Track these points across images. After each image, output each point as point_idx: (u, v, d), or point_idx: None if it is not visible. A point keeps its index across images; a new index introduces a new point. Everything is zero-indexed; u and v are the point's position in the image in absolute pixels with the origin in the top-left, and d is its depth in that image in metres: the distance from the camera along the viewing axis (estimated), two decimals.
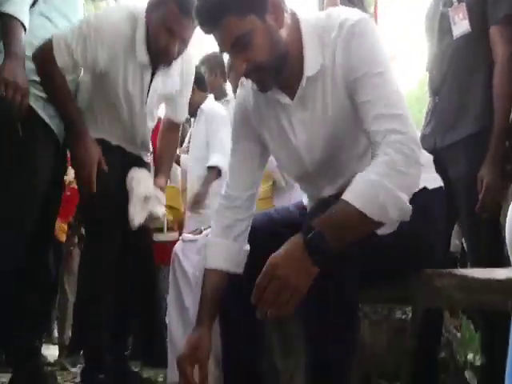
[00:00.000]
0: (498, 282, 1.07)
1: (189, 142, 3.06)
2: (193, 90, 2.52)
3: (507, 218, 0.97)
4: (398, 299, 1.24)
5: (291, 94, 1.13)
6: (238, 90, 1.29)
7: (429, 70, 1.85)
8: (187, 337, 1.22)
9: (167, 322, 1.78)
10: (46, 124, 1.67)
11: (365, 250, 1.04)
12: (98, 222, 1.75)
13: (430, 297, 1.16)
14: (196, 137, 2.90)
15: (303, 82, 1.10)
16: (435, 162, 1.30)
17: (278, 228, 1.26)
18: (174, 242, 2.59)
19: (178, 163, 3.31)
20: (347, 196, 0.93)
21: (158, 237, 2.48)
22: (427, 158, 1.23)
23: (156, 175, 1.93)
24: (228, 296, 1.22)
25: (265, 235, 1.24)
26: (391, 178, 0.94)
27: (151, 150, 2.09)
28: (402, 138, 0.97)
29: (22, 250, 1.61)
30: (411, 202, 1.02)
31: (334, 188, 1.17)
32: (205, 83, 2.95)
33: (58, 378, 2.31)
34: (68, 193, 2.97)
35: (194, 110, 2.80)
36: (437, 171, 1.27)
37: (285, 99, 1.14)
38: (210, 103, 2.91)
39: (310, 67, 1.09)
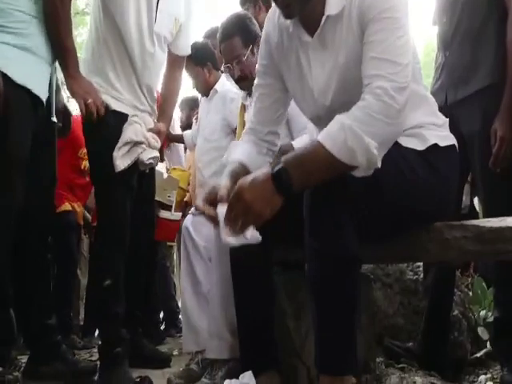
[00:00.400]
0: (511, 229, 1.06)
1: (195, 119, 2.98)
2: (208, 69, 2.49)
3: None
4: (411, 255, 1.24)
5: (312, 33, 1.15)
6: (265, 26, 1.31)
7: (439, 20, 1.80)
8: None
9: (181, 293, 1.80)
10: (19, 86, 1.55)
11: (376, 206, 1.04)
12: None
13: (441, 249, 1.16)
14: (207, 117, 2.80)
15: (323, 20, 1.11)
16: (446, 116, 1.28)
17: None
18: (177, 222, 2.63)
19: (182, 141, 3.29)
20: (320, 136, 0.98)
21: (164, 214, 2.49)
22: (442, 119, 1.23)
23: (157, 119, 1.95)
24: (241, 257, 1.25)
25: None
26: (363, 124, 0.96)
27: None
28: (387, 85, 0.99)
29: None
30: (421, 158, 1.02)
31: None
32: (217, 61, 2.83)
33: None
34: (87, 178, 3.02)
35: (209, 89, 2.73)
36: (449, 125, 1.26)
37: (305, 36, 1.16)
38: (224, 84, 2.77)
39: (332, 7, 1.10)
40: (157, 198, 2.44)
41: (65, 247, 2.94)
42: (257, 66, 1.36)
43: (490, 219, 1.15)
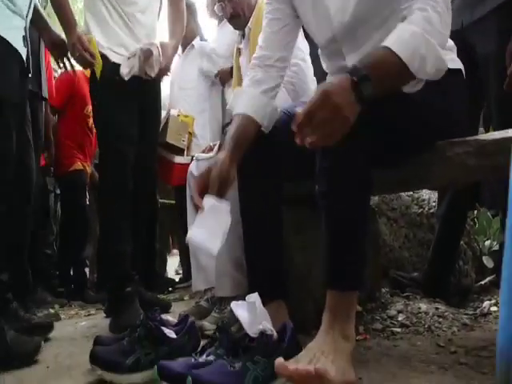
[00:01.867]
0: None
1: None
2: (188, 20, 2.47)
3: None
4: (414, 177, 1.23)
5: None
6: None
7: None
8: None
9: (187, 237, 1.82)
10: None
11: (390, 130, 1.04)
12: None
13: (443, 167, 1.15)
14: (182, 69, 2.97)
15: None
16: (461, 41, 1.26)
17: None
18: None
19: None
20: (391, 44, 0.93)
21: (178, 159, 2.54)
22: (451, 43, 1.20)
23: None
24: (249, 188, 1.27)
25: (286, 134, 1.24)
26: (431, 34, 0.94)
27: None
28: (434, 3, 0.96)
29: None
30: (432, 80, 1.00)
31: (358, 56, 1.14)
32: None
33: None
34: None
35: (187, 42, 2.85)
36: (462, 51, 1.24)
37: None
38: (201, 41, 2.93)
39: None
40: (173, 142, 2.50)
41: (77, 206, 3.00)
42: None
43: (491, 133, 1.14)
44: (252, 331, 0.97)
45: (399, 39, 0.93)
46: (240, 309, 1.01)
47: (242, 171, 1.25)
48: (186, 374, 0.91)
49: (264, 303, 1.23)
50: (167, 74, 2.07)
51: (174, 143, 2.49)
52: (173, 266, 5.21)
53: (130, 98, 1.86)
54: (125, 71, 1.81)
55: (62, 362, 1.36)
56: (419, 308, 1.64)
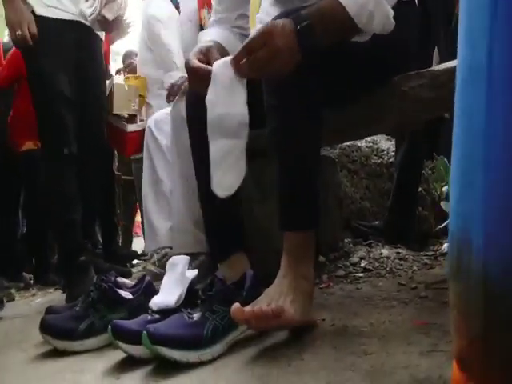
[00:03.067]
0: None
1: None
2: None
3: None
4: (369, 117, 1.21)
5: None
6: None
7: None
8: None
9: (142, 194, 1.77)
10: None
11: (342, 66, 1.00)
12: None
13: (399, 102, 1.13)
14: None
15: None
16: None
17: None
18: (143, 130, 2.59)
19: None
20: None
21: (132, 127, 2.43)
22: None
23: None
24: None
25: None
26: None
27: None
28: None
29: None
30: None
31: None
32: None
33: None
34: None
35: None
36: None
37: None
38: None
39: None
40: (123, 112, 2.40)
41: (32, 187, 2.86)
42: None
43: (444, 64, 1.12)
44: (171, 299, 0.95)
45: None
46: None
47: (194, 118, 1.20)
48: (141, 331, 0.87)
49: (224, 257, 1.23)
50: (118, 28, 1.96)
51: (125, 111, 2.38)
52: (139, 246, 5.13)
53: (65, 53, 1.75)
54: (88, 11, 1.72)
55: (12, 337, 1.30)
56: (381, 254, 1.65)
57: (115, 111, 2.38)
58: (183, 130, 1.33)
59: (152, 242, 1.65)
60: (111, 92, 2.35)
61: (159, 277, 1.56)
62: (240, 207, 1.32)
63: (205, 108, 0.92)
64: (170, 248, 1.59)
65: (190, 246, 1.57)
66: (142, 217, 3.02)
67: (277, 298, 0.89)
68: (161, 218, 1.62)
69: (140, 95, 2.44)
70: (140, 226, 5.19)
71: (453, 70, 1.05)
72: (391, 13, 0.93)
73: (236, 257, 1.23)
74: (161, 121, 1.84)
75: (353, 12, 0.89)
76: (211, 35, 1.18)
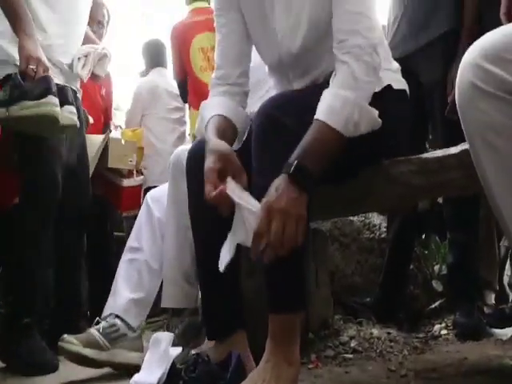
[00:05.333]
0: (454, 156, 1.06)
1: None
2: None
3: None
4: (359, 198, 1.23)
5: None
6: None
7: None
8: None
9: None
10: None
11: None
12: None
13: (387, 186, 1.15)
14: None
15: None
16: (406, 68, 1.30)
17: None
18: (141, 186, 2.62)
19: None
20: (324, 116, 0.94)
21: (128, 182, 2.44)
22: (396, 65, 1.23)
23: None
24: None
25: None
26: (360, 92, 0.96)
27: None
28: (364, 43, 0.99)
29: None
30: (376, 99, 1.01)
31: (305, 82, 1.17)
32: None
33: None
34: None
35: None
36: (408, 78, 1.26)
37: None
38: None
39: None
40: (120, 167, 2.41)
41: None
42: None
43: (434, 152, 1.16)
44: (152, 379, 0.92)
45: (332, 110, 0.94)
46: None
47: (192, 179, 1.17)
48: None
49: (224, 334, 1.13)
50: None
51: (122, 166, 2.40)
52: None
53: None
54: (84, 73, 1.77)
55: None
56: (371, 333, 1.62)
57: (110, 165, 2.38)
58: (182, 178, 1.29)
59: (109, 306, 1.57)
60: (106, 146, 2.37)
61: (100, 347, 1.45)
62: (238, 279, 1.25)
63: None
64: (121, 320, 1.50)
65: (178, 300, 1.53)
66: None
67: None
68: (127, 287, 1.58)
69: (140, 148, 2.45)
70: None
71: (442, 159, 1.11)
72: (376, 113, 0.98)
73: (237, 336, 1.14)
74: (158, 195, 1.84)
75: (340, 127, 0.94)
76: (214, 108, 1.17)
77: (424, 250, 2.32)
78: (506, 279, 2.15)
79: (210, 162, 0.96)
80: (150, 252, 1.60)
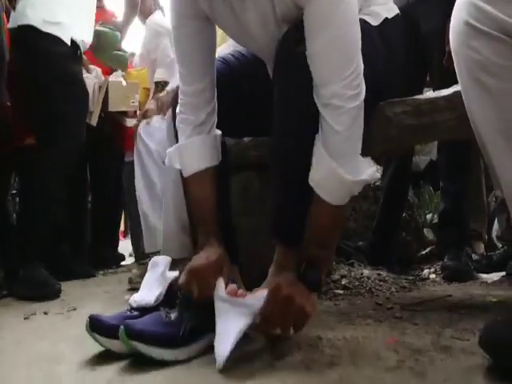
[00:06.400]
0: (446, 97, 1.08)
1: None
2: None
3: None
4: None
5: None
6: None
7: None
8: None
9: (137, 197, 1.80)
10: None
11: None
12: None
13: (382, 127, 1.17)
14: None
15: None
16: (406, 16, 1.29)
17: (238, 79, 1.24)
18: None
19: None
20: (325, 196, 0.94)
21: (131, 122, 2.44)
22: None
23: None
24: None
25: (226, 86, 1.19)
26: (348, 150, 0.93)
27: None
28: (341, 91, 0.91)
29: None
30: (377, 32, 1.01)
31: None
32: None
33: None
34: None
35: (145, 16, 2.73)
36: (408, 25, 1.24)
37: None
38: (157, 17, 2.81)
39: None
40: (122, 109, 2.41)
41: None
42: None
43: (427, 94, 1.17)
44: (150, 297, 0.96)
45: (322, 184, 0.94)
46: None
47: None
48: (118, 325, 0.89)
49: None
50: None
51: (123, 108, 2.39)
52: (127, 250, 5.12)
53: None
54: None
55: None
56: (362, 274, 1.68)
57: (111, 109, 2.37)
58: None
59: (152, 244, 1.65)
60: (106, 90, 2.36)
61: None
62: (230, 216, 1.29)
63: None
64: None
65: (176, 251, 1.58)
66: (130, 220, 3.05)
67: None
68: (157, 218, 1.64)
69: (145, 88, 2.43)
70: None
71: (435, 101, 1.13)
72: (367, 174, 0.95)
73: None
74: (152, 128, 1.87)
75: (335, 201, 0.94)
76: (192, 165, 1.13)
77: (418, 199, 2.37)
78: (494, 233, 2.21)
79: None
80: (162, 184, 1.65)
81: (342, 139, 0.92)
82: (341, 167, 0.91)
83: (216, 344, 0.87)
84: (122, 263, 2.85)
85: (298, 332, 0.94)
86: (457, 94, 1.06)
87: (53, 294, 1.63)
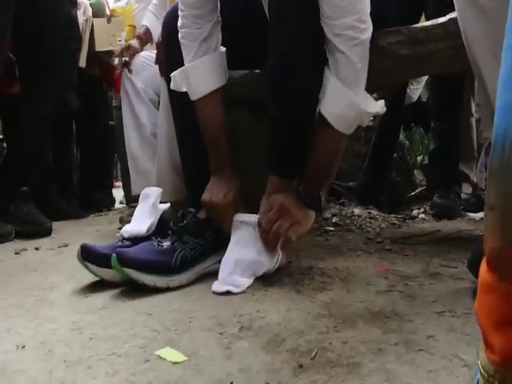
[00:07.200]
0: (442, 25, 1.04)
1: None
2: None
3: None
4: None
5: None
6: None
7: None
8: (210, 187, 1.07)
9: (125, 139, 1.76)
10: None
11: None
12: None
13: (377, 58, 1.13)
14: None
15: None
16: None
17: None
18: None
19: None
20: (338, 125, 0.94)
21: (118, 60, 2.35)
22: None
23: None
24: None
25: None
26: (359, 80, 0.94)
27: None
28: (354, 22, 0.90)
29: None
30: None
31: None
32: None
33: None
34: None
35: None
36: None
37: None
38: None
39: None
40: (108, 48, 2.34)
41: None
42: None
43: (423, 23, 1.13)
44: (142, 228, 0.96)
45: (342, 117, 0.94)
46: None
47: (171, 60, 1.15)
48: (110, 254, 0.88)
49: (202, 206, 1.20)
50: None
51: (108, 49, 2.32)
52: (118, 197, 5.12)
53: None
54: None
55: None
56: (352, 212, 1.69)
57: (98, 49, 2.31)
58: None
59: (140, 186, 1.61)
60: (92, 30, 2.28)
61: None
62: None
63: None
64: None
65: (169, 194, 1.57)
66: (121, 164, 3.02)
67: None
68: (147, 161, 1.62)
69: (131, 25, 2.34)
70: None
71: (430, 29, 1.09)
72: (378, 106, 0.97)
73: None
74: (138, 65, 1.81)
75: (345, 130, 0.96)
76: (203, 86, 1.08)
77: (409, 140, 2.36)
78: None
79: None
80: (151, 124, 1.62)
81: (355, 70, 0.93)
82: (356, 97, 0.93)
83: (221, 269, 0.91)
84: (114, 207, 2.86)
85: (290, 243, 0.97)
86: (452, 21, 1.03)
87: (44, 232, 1.63)
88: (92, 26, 2.29)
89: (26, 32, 1.73)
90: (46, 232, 1.63)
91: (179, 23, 1.08)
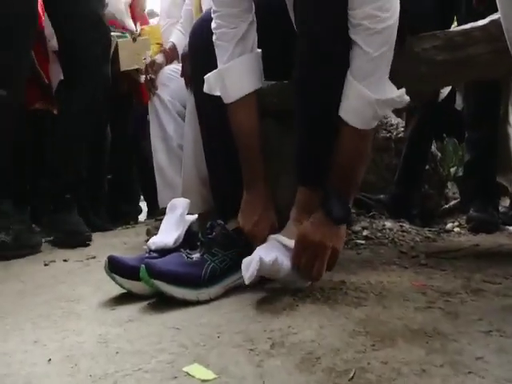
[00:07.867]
0: (482, 27, 1.00)
1: None
2: None
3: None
4: None
5: None
6: None
7: None
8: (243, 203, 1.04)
9: (152, 150, 1.77)
10: None
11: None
12: None
13: (411, 64, 1.10)
14: None
15: None
16: None
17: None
18: None
19: None
20: (351, 120, 0.89)
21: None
22: None
23: None
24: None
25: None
26: (381, 73, 0.89)
27: None
28: (371, 12, 0.85)
29: None
30: None
31: None
32: None
33: None
34: None
35: None
36: None
37: None
38: None
39: None
40: (134, 67, 2.39)
41: None
42: None
43: (461, 26, 1.09)
44: (169, 239, 0.94)
45: (355, 111, 0.89)
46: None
47: (197, 68, 1.14)
48: (138, 267, 0.86)
49: (230, 216, 1.12)
50: None
51: (133, 68, 2.36)
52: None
53: None
54: None
55: (11, 269, 1.30)
56: (384, 225, 1.64)
57: (123, 68, 2.35)
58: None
59: (168, 199, 1.60)
60: (116, 50, 2.31)
61: None
62: None
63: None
64: None
65: (197, 206, 1.55)
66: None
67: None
68: (174, 172, 1.61)
69: (158, 43, 2.36)
70: None
71: (469, 32, 1.04)
72: (398, 95, 0.91)
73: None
74: (165, 77, 1.82)
75: (365, 126, 0.90)
76: (238, 88, 1.05)
77: (442, 154, 2.29)
78: None
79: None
80: (178, 137, 1.63)
81: (368, 60, 0.87)
82: (365, 88, 0.88)
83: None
84: (140, 219, 2.87)
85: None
86: (493, 23, 0.99)
87: (83, 241, 1.65)
88: (116, 45, 2.33)
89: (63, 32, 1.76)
90: (87, 241, 1.67)
91: (213, 25, 1.05)
